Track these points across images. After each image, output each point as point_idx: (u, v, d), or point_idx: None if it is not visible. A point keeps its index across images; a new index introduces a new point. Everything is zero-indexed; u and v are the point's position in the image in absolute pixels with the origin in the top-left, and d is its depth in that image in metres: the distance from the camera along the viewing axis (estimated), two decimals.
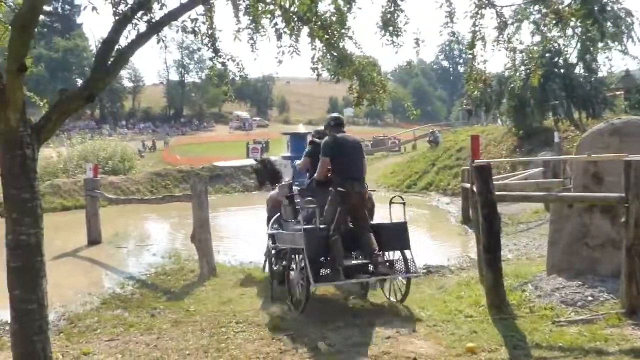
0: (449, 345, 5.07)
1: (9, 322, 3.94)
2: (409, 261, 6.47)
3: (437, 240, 12.77)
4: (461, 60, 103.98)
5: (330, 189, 6.30)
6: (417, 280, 8.37)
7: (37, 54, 51.83)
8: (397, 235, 6.62)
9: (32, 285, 3.60)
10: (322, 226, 6.27)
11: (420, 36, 5.25)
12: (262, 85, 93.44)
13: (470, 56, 6.25)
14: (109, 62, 4.06)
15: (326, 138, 6.48)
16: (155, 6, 4.39)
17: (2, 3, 4.50)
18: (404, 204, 6.69)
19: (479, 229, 6.34)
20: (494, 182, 6.09)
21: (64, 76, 66.16)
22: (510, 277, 6.96)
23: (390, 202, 6.78)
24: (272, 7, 4.81)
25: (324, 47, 4.78)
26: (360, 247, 6.60)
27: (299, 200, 6.90)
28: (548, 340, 4.93)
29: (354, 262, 6.59)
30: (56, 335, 6.08)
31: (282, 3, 4.75)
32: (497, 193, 6.03)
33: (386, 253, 6.59)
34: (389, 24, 5.04)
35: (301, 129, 18.71)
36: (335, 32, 4.74)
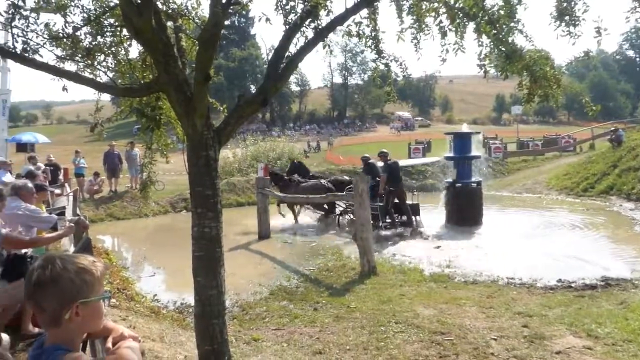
0: None
1: (193, 305, 4.39)
2: (419, 222, 13.97)
3: (618, 250, 11.47)
4: None
5: (390, 187, 13.59)
6: (594, 293, 7.66)
7: (217, 64, 57.09)
8: (415, 210, 14.10)
9: (212, 273, 3.98)
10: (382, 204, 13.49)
11: (602, 24, 4.74)
12: (424, 85, 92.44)
13: None
14: (280, 69, 4.33)
15: (386, 163, 13.90)
16: (322, 13, 4.57)
17: (190, 20, 5.02)
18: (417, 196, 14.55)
19: None
20: None
21: (239, 83, 72.12)
22: None
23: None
24: (436, 4, 4.72)
25: (492, 43, 4.55)
26: (402, 213, 14.06)
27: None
28: None
29: (398, 220, 14.03)
30: (230, 320, 6.64)
31: (447, 0, 4.64)
32: None
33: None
34: (565, 13, 4.63)
35: (465, 128, 18.10)
36: (504, 26, 4.49)
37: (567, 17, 4.64)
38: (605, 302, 7.08)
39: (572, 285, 8.20)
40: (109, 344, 1.92)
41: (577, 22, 4.68)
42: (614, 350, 5.08)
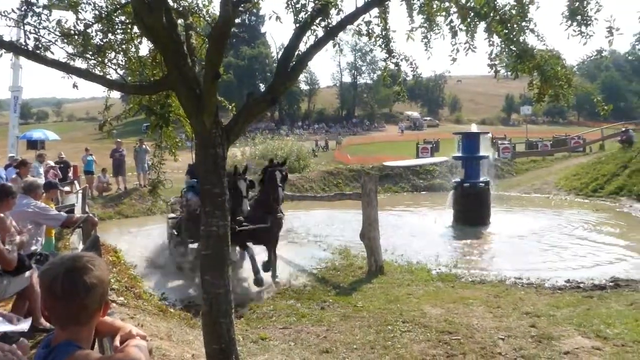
0: None
1: (201, 304, 4.40)
2: None
3: (628, 252, 11.37)
4: None
5: None
6: (603, 294, 7.61)
7: (227, 62, 57.22)
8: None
9: (220, 271, 3.97)
10: None
11: (615, 24, 4.68)
12: (433, 85, 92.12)
13: None
14: (290, 67, 4.32)
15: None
16: (333, 12, 4.55)
17: (200, 18, 5.02)
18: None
19: None
20: None
21: (249, 82, 72.02)
22: None
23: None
24: (447, 4, 4.68)
25: (503, 42, 4.51)
26: None
27: None
28: None
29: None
30: (238, 319, 6.64)
31: None
32: None
33: None
34: (577, 12, 4.57)
35: (474, 128, 18.03)
36: (515, 26, 4.45)
37: (578, 17, 4.58)
38: (614, 302, 7.03)
39: (581, 285, 8.15)
40: (117, 342, 1.92)
41: (589, 22, 4.62)
42: (623, 351, 5.04)
